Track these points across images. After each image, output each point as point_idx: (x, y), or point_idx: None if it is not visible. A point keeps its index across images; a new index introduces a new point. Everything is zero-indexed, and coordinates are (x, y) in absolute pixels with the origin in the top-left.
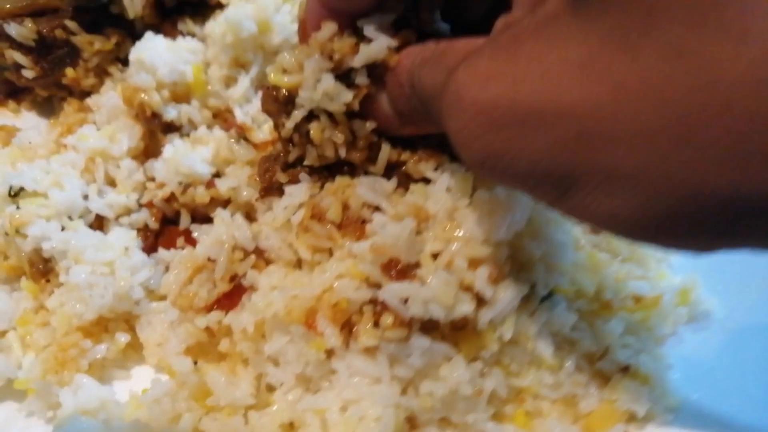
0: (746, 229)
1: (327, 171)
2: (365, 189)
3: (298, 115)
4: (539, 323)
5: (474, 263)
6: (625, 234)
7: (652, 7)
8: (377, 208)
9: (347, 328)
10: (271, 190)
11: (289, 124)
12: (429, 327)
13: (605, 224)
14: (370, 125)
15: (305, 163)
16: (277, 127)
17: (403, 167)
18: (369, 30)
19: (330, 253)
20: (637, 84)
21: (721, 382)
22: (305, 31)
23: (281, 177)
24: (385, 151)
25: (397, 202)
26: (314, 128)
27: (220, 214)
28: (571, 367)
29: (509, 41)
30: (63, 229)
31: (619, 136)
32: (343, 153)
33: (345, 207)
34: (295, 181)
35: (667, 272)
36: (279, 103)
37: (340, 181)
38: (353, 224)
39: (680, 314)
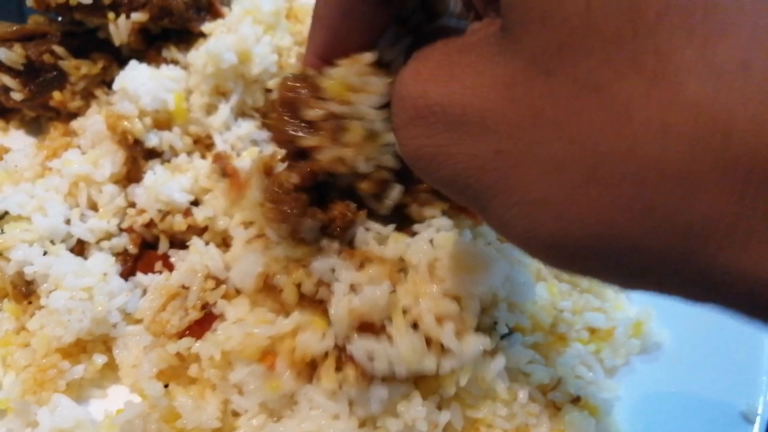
0: (656, 277)
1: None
2: (320, 265)
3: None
4: (498, 361)
5: (443, 319)
6: (541, 257)
7: (571, 34)
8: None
9: (309, 366)
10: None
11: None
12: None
13: (522, 245)
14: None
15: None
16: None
17: (405, 209)
18: None
19: None
20: (551, 113)
21: (668, 413)
22: None
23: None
24: (396, 190)
25: (364, 259)
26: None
27: (194, 243)
28: (524, 398)
29: (459, 48)
30: (45, 253)
31: (533, 161)
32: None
33: (299, 287)
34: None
35: (624, 303)
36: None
37: (292, 254)
38: (311, 304)
39: (633, 345)
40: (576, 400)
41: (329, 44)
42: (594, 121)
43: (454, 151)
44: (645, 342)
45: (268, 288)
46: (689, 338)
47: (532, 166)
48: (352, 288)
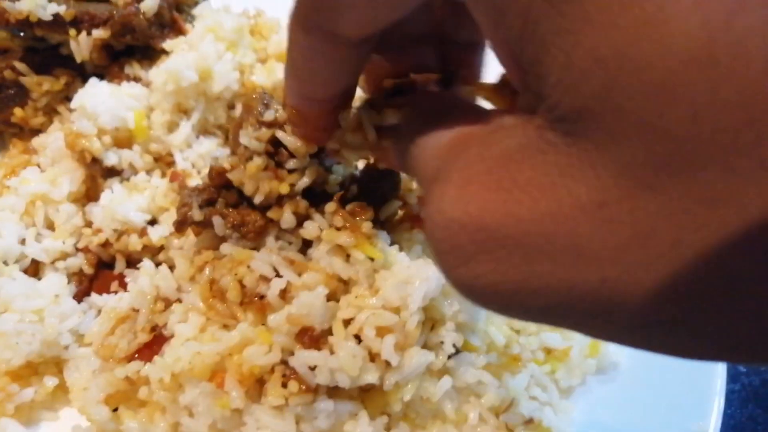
0: None
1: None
2: (260, 263)
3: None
4: (445, 381)
5: (383, 331)
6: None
7: (679, 145)
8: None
9: (258, 383)
10: (184, 225)
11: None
12: (336, 389)
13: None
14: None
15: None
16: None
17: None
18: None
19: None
20: (667, 232)
21: None
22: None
23: (196, 214)
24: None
25: (303, 269)
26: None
27: (144, 265)
28: (474, 419)
29: (502, 158)
30: None
31: (648, 286)
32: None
33: (242, 284)
34: (208, 221)
35: None
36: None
37: (237, 255)
38: (252, 301)
39: (589, 365)
40: (529, 422)
41: (305, 89)
42: (718, 235)
43: (544, 284)
44: (601, 362)
45: (215, 293)
46: (645, 358)
47: (648, 292)
48: (289, 287)
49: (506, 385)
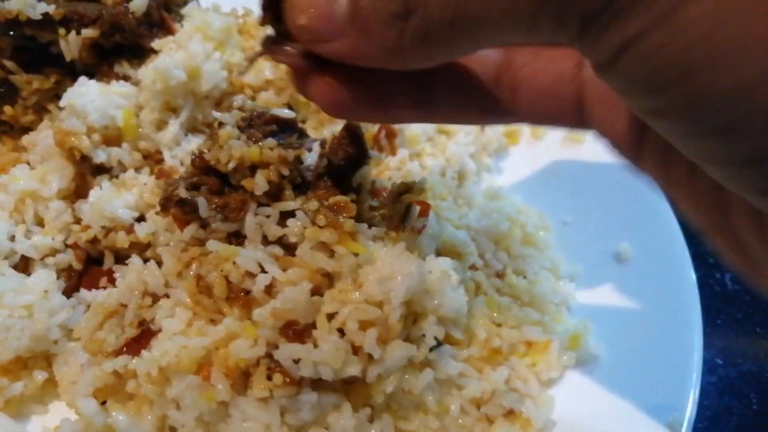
0: None
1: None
2: (246, 259)
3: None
4: (426, 374)
5: (365, 325)
6: None
7: None
8: (263, 270)
9: (243, 376)
10: (169, 203)
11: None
12: (319, 382)
13: None
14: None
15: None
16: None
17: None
18: None
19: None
20: None
21: (600, 425)
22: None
23: (182, 192)
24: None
25: (288, 264)
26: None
27: (132, 261)
28: (456, 411)
29: None
30: None
31: None
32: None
33: (228, 280)
34: (192, 202)
35: (564, 316)
36: None
37: (222, 251)
38: (238, 296)
39: (569, 358)
40: (509, 414)
41: None
42: None
43: None
44: (581, 355)
45: (201, 288)
46: (624, 351)
47: None
48: (274, 283)
49: (487, 378)
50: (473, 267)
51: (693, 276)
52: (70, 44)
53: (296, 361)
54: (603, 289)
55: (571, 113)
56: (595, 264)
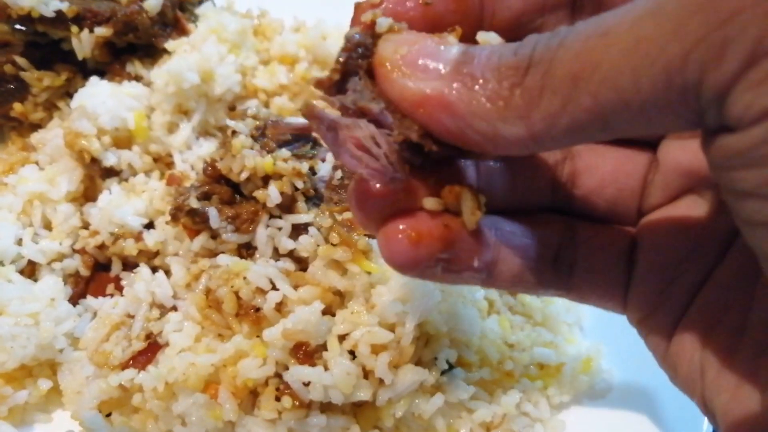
0: None
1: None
2: (256, 275)
3: None
4: (437, 398)
5: (378, 349)
6: None
7: None
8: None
9: (251, 394)
10: (180, 212)
11: None
12: (328, 404)
13: None
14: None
15: None
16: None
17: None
18: None
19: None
20: None
21: None
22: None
23: (192, 202)
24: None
25: (300, 281)
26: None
27: (140, 271)
28: None
29: None
30: None
31: None
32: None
33: (238, 296)
34: (203, 212)
35: (576, 337)
36: None
37: (233, 266)
38: (248, 313)
39: (581, 382)
40: None
41: None
42: None
43: None
44: (593, 378)
45: (211, 303)
46: (637, 375)
47: None
48: (285, 301)
49: (498, 401)
50: None
51: None
52: (83, 42)
53: (306, 384)
54: None
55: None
56: None
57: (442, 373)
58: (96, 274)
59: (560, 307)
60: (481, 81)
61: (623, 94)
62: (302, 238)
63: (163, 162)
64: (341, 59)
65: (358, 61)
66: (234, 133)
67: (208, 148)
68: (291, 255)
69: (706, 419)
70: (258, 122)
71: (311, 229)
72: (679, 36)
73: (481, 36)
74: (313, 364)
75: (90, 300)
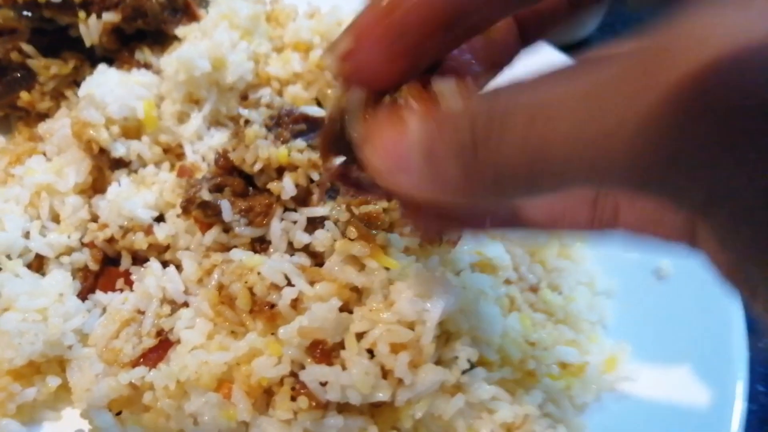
0: None
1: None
2: (271, 270)
3: None
4: (457, 399)
5: (397, 348)
6: None
7: None
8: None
9: (265, 393)
10: (191, 205)
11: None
12: (346, 405)
13: None
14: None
15: None
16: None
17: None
18: None
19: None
20: None
21: None
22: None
23: (204, 194)
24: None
25: (316, 277)
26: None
27: (151, 266)
28: None
29: None
30: (0, 269)
31: None
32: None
33: (252, 292)
34: (215, 205)
35: (600, 335)
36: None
37: (247, 261)
38: (262, 310)
39: (605, 381)
40: None
41: None
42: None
43: None
44: (617, 378)
45: (224, 299)
46: (662, 376)
47: None
48: (300, 297)
49: (520, 401)
50: (507, 281)
51: (736, 297)
52: (90, 28)
53: (323, 384)
54: (641, 308)
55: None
56: (633, 280)
57: (463, 372)
58: (105, 269)
59: (582, 304)
60: (441, 166)
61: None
62: (318, 232)
63: (173, 153)
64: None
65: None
66: (247, 122)
67: (219, 138)
68: (306, 250)
69: (734, 421)
70: (272, 111)
71: (327, 224)
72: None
73: (437, 86)
74: (330, 363)
75: (99, 295)
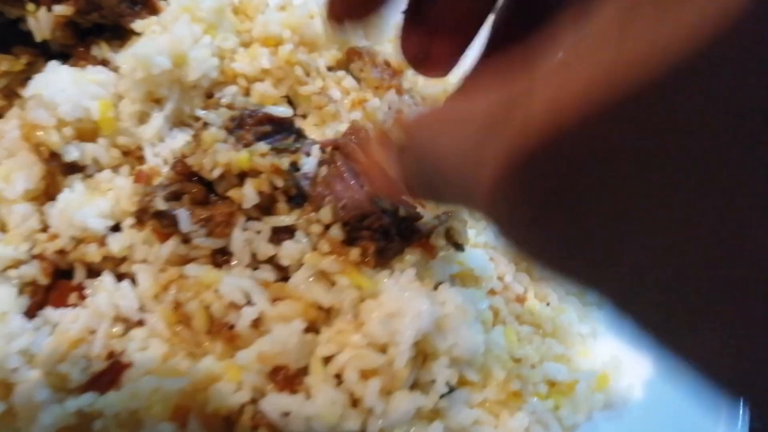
0: None
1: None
2: (229, 288)
3: None
4: (435, 425)
5: (367, 374)
6: None
7: None
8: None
9: (225, 422)
10: (145, 215)
11: None
12: None
13: None
14: None
15: None
16: None
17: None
18: None
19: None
20: None
21: None
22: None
23: (159, 203)
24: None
25: (280, 293)
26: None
27: (103, 281)
28: None
29: None
30: None
31: None
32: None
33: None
34: (171, 214)
35: (591, 350)
36: None
37: (204, 277)
38: (221, 331)
39: (596, 400)
40: None
41: None
42: None
43: None
44: (610, 396)
45: (180, 318)
46: (659, 394)
47: None
48: (260, 320)
49: (504, 425)
50: (491, 291)
51: None
52: (41, 22)
53: (285, 414)
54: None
55: None
56: None
57: (441, 396)
58: (57, 282)
59: (572, 316)
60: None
61: None
62: (286, 243)
63: (133, 156)
64: None
65: None
66: (205, 125)
67: (183, 139)
68: (271, 262)
69: None
70: (233, 112)
71: (298, 234)
72: None
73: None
74: (293, 391)
75: (49, 311)
